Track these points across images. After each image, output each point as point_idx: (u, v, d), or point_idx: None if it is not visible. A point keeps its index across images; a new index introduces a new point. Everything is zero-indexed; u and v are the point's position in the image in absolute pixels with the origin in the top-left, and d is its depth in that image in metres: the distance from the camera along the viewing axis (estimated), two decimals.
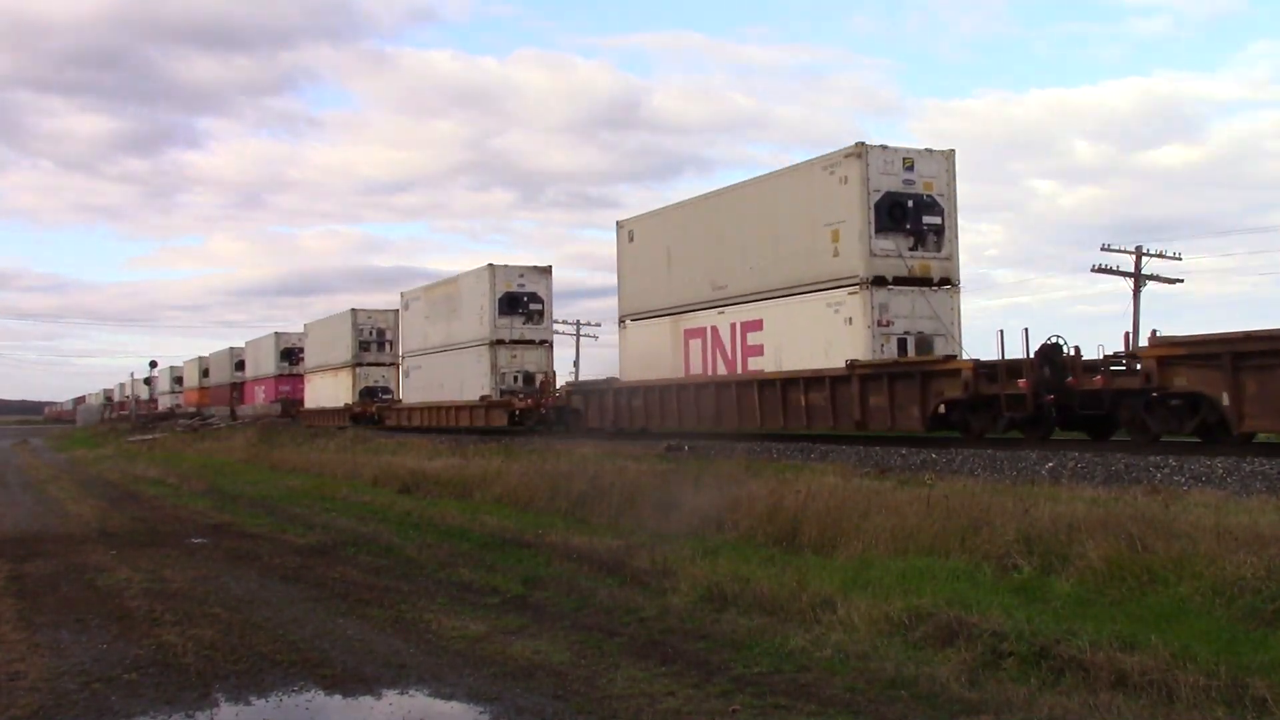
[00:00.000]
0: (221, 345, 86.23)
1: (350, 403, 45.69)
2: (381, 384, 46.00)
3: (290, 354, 59.50)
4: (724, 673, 6.87)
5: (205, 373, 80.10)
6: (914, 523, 9.94)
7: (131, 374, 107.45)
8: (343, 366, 47.29)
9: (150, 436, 48.67)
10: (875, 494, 11.61)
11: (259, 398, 63.32)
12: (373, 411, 44.36)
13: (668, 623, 8.28)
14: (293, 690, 6.83)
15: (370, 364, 46.42)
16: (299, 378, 57.46)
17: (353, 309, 46.11)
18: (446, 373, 37.14)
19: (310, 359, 53.43)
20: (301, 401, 54.92)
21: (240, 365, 69.98)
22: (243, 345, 70.78)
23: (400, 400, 42.95)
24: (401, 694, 6.72)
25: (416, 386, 40.25)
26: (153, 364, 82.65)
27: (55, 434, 75.58)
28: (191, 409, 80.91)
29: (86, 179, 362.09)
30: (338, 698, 6.70)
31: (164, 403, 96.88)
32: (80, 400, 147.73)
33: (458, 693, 6.67)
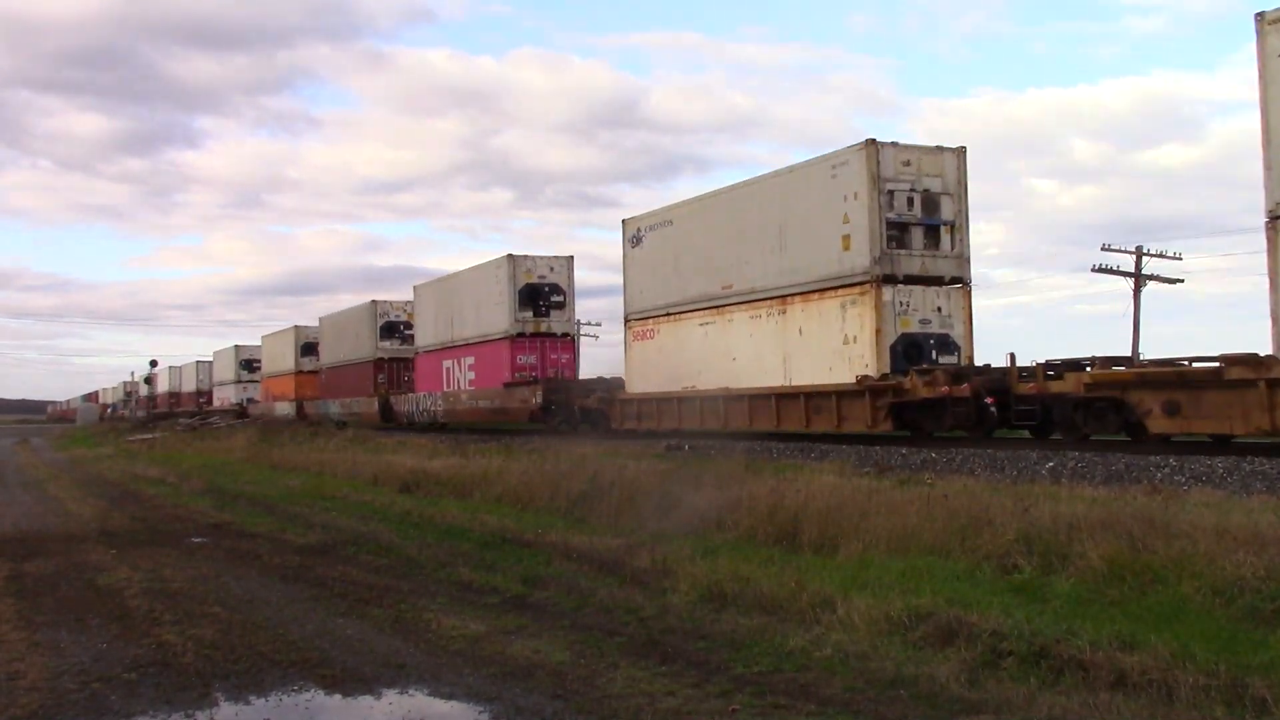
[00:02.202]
0: (223, 344, 73.43)
1: (864, 378, 20.25)
2: (935, 330, 20.75)
3: (536, 295, 34.29)
4: (724, 672, 6.86)
5: (306, 349, 54.73)
6: (914, 522, 9.93)
7: (133, 373, 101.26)
8: (826, 287, 21.52)
9: (150, 436, 48.61)
10: (875, 493, 11.60)
11: (461, 380, 37.08)
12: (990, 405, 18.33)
13: (667, 622, 8.27)
14: (292, 690, 6.82)
15: (917, 279, 20.73)
16: (557, 340, 34.67)
17: (872, 142, 20.63)
18: None
19: (643, 290, 27.82)
20: (568, 384, 32.38)
21: (393, 329, 44.41)
22: (395, 300, 45.02)
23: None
24: (401, 693, 6.72)
25: None
26: (153, 363, 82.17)
27: (56, 433, 75.19)
28: (287, 404, 55.95)
29: (85, 178, 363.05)
30: (337, 697, 6.70)
31: (226, 397, 71.90)
32: (91, 396, 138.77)
33: (457, 692, 6.67)
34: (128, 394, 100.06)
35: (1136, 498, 10.70)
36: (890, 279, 20.49)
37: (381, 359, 44.44)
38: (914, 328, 20.71)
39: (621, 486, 14.19)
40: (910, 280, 20.71)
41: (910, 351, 20.54)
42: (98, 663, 7.48)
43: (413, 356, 42.61)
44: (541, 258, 34.84)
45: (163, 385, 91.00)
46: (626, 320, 28.71)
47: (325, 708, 6.54)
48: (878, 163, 20.56)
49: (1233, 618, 6.91)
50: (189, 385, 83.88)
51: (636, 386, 28.21)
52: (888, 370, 20.21)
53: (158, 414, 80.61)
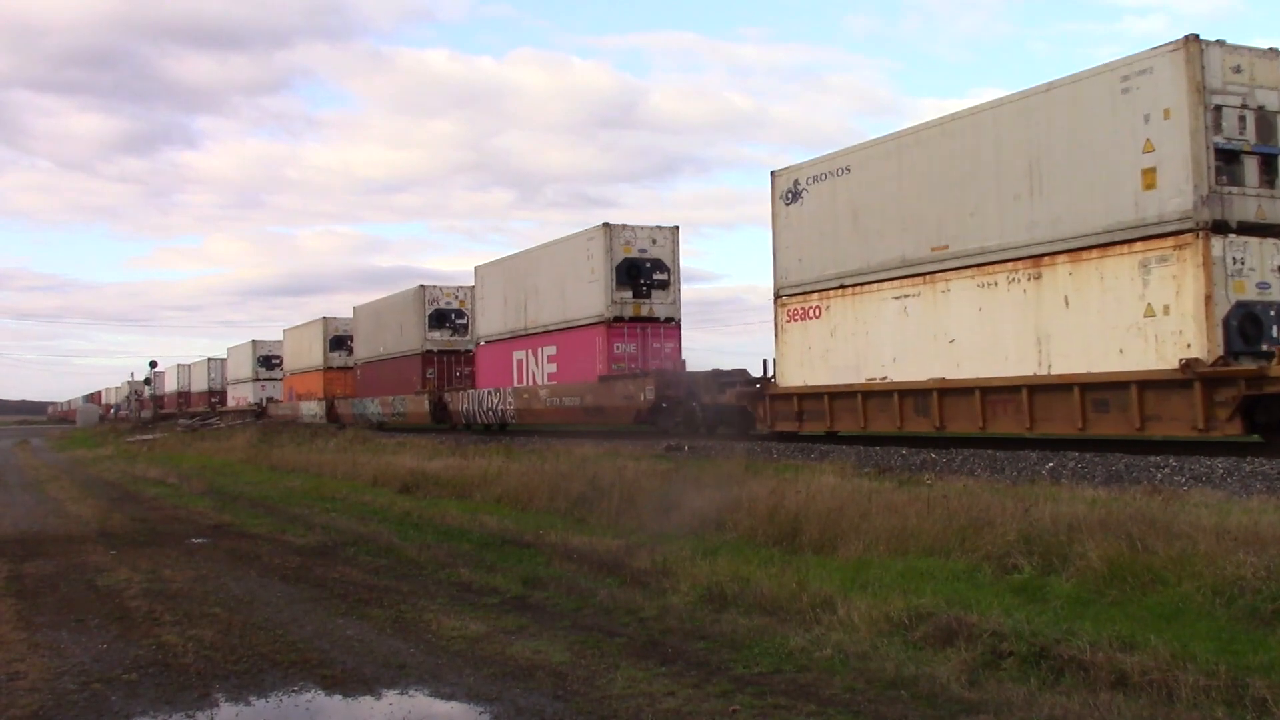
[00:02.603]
0: (223, 345, 72.66)
1: (1192, 362, 14.59)
2: (1276, 297, 15.14)
3: (636, 272, 29.04)
4: (724, 673, 6.87)
5: (336, 343, 50.63)
6: (914, 523, 9.94)
7: (132, 373, 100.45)
8: (1113, 241, 15.96)
9: (150, 437, 48.63)
10: (875, 494, 11.61)
11: (538, 374, 31.65)
12: None
13: (667, 623, 8.28)
14: (293, 690, 6.83)
15: (1252, 227, 15.11)
16: (660, 326, 29.22)
17: (1194, 39, 15.04)
18: None
19: (803, 258, 22.18)
20: (692, 377, 26.50)
21: (444, 318, 39.94)
22: (446, 285, 40.64)
23: None
24: (401, 694, 6.72)
25: None
26: (152, 364, 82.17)
27: (56, 434, 75.09)
28: (315, 403, 51.16)
29: (85, 179, 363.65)
30: (338, 698, 6.70)
31: (243, 396, 66.90)
32: (94, 397, 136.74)
33: (457, 693, 6.67)
34: (133, 393, 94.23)
35: (1136, 498, 10.70)
36: (1221, 227, 14.80)
37: (431, 351, 39.58)
38: (1249, 294, 14.89)
39: (621, 487, 14.20)
40: (1244, 230, 14.98)
41: (1246, 327, 14.81)
42: (98, 663, 7.48)
43: (467, 348, 37.81)
44: (642, 228, 28.94)
45: (170, 385, 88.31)
46: (778, 296, 22.76)
47: (325, 708, 6.54)
48: (1201, 68, 14.85)
49: (1233, 618, 6.92)
50: (199, 384, 79.80)
51: (794, 378, 22.12)
52: (1220, 352, 14.55)
53: (163, 414, 79.66)
